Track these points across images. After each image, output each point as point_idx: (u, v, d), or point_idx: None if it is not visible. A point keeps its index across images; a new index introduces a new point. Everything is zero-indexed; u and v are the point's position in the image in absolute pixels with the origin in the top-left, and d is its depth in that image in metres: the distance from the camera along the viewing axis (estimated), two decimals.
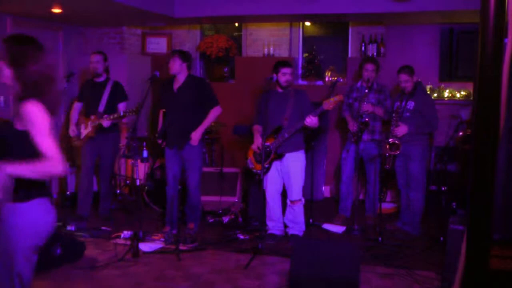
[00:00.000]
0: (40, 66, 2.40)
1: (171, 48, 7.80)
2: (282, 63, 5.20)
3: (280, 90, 5.19)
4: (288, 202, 5.21)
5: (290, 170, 5.11)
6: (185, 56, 5.32)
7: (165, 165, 5.41)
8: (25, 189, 2.39)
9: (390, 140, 5.24)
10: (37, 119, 2.31)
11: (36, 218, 2.44)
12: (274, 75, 5.10)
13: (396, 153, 5.23)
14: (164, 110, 5.52)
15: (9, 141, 2.41)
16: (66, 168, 2.30)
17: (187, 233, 5.26)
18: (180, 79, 5.29)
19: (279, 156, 5.10)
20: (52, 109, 2.40)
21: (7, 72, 2.40)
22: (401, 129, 5.24)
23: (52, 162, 2.28)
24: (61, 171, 2.30)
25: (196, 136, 5.25)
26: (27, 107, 2.32)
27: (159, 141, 5.35)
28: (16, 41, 2.43)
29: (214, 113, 5.36)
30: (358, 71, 6.18)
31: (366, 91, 5.54)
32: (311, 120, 4.91)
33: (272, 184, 5.20)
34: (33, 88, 2.36)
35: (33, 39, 2.46)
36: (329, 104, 4.88)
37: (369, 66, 5.65)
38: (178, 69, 5.25)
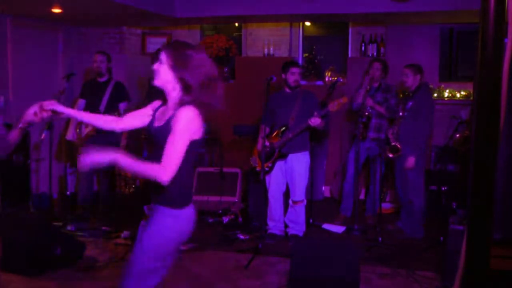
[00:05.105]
0: (203, 67, 2.49)
1: None
2: (291, 63, 5.25)
3: (288, 90, 5.19)
4: (290, 202, 5.21)
5: (294, 170, 5.10)
6: None
7: None
8: (184, 196, 2.47)
9: (393, 144, 5.22)
10: (181, 127, 2.34)
11: (183, 224, 2.49)
12: (274, 76, 5.09)
13: (398, 154, 5.21)
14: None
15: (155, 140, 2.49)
16: (170, 179, 2.33)
17: None
18: None
19: (283, 156, 5.09)
20: (215, 106, 2.45)
21: (169, 75, 2.46)
22: (410, 162, 5.21)
23: (162, 170, 2.31)
24: (164, 181, 2.32)
25: None
26: (181, 112, 2.36)
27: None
28: (178, 45, 2.51)
29: None
30: (366, 70, 6.10)
31: (368, 87, 5.58)
32: (315, 121, 4.92)
33: (275, 184, 5.20)
34: (198, 89, 2.42)
35: (193, 45, 2.56)
36: (334, 105, 4.91)
37: (376, 64, 5.76)
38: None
